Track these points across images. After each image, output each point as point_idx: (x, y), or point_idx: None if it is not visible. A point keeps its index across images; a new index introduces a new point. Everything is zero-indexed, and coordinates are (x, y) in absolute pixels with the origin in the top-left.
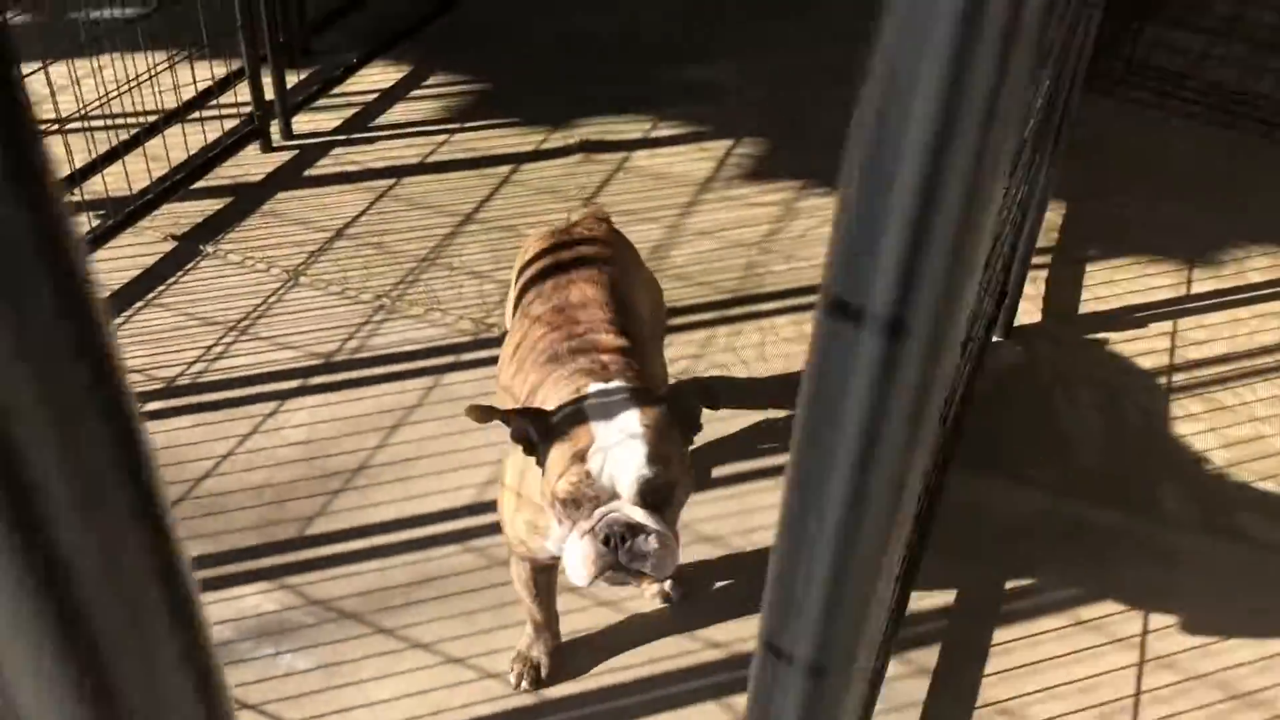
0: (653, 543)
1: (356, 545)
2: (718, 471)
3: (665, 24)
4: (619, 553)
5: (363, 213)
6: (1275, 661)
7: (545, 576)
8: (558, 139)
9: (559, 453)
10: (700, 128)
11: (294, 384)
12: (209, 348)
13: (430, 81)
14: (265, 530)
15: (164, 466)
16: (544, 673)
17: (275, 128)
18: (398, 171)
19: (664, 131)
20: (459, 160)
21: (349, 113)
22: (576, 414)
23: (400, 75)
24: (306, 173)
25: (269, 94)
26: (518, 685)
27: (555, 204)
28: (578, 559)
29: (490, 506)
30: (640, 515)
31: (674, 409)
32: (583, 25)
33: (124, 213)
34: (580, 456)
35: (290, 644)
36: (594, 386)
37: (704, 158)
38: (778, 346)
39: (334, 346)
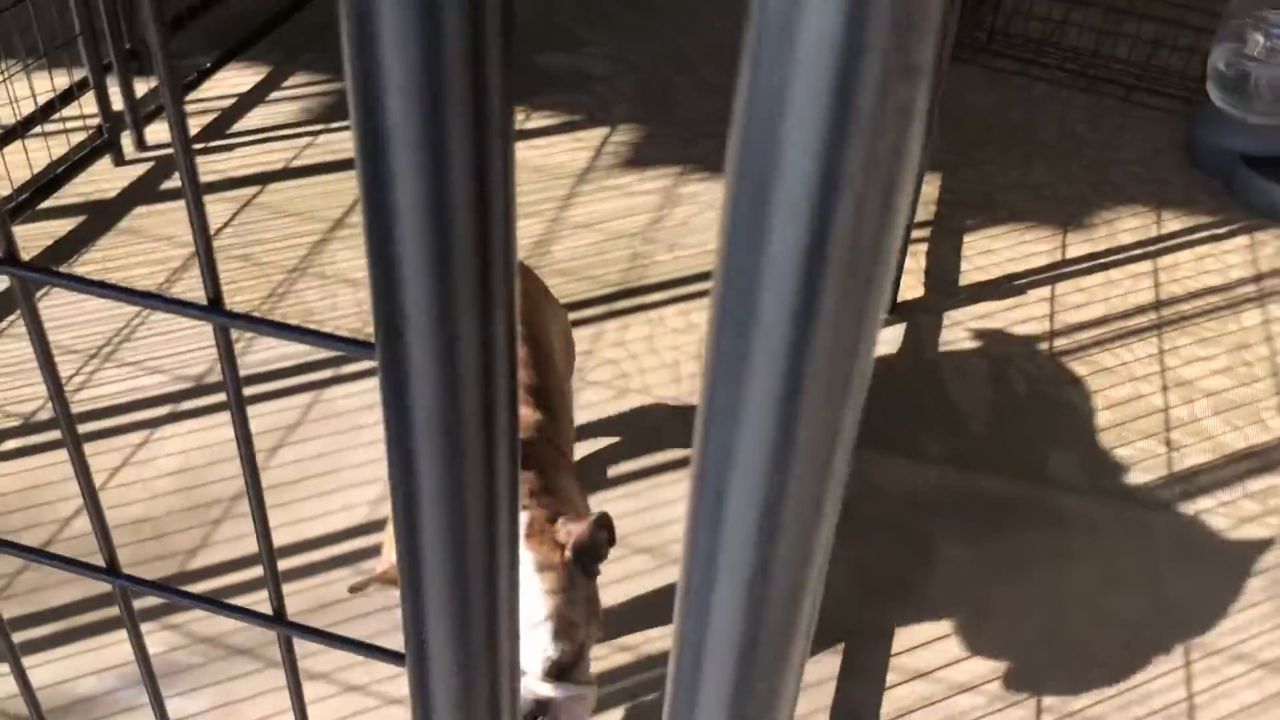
0: (564, 710)
1: (243, 576)
2: (615, 470)
3: (526, 11)
4: None
5: (227, 224)
6: (1164, 616)
7: None
8: None
9: None
10: (573, 116)
11: (164, 410)
12: (69, 378)
13: (289, 83)
14: (144, 567)
15: (27, 509)
16: None
17: (127, 139)
18: (261, 179)
19: (537, 123)
20: (325, 163)
21: (206, 119)
22: None
23: (258, 78)
24: (164, 185)
25: (118, 104)
26: None
27: None
28: None
29: (380, 525)
30: (548, 690)
31: (580, 549)
32: None
33: None
34: None
35: (179, 686)
36: None
37: (580, 147)
38: (667, 338)
39: (204, 368)
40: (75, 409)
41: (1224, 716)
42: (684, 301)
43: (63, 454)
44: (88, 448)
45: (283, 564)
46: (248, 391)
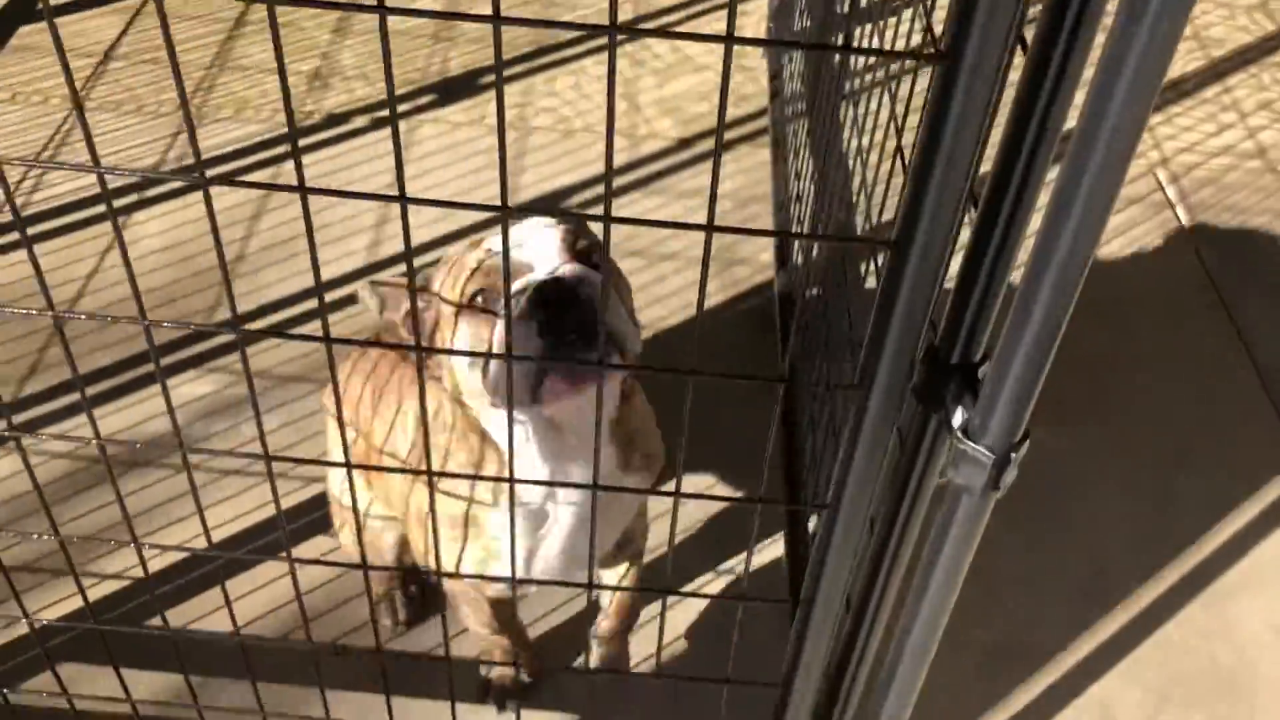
0: (593, 291)
1: (271, 319)
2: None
3: None
4: (557, 329)
5: (124, 33)
6: None
7: (506, 609)
8: None
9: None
10: None
11: (130, 199)
12: (17, 184)
13: None
14: (166, 329)
15: (29, 297)
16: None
17: None
18: None
19: None
20: None
21: None
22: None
23: None
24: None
25: None
26: (502, 707)
27: None
28: (499, 369)
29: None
30: (572, 269)
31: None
32: None
33: None
34: (478, 265)
35: (245, 414)
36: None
37: None
38: (592, 84)
39: (155, 159)
40: (37, 209)
41: None
42: (599, 53)
43: (41, 247)
44: (63, 241)
45: (300, 308)
46: (212, 173)
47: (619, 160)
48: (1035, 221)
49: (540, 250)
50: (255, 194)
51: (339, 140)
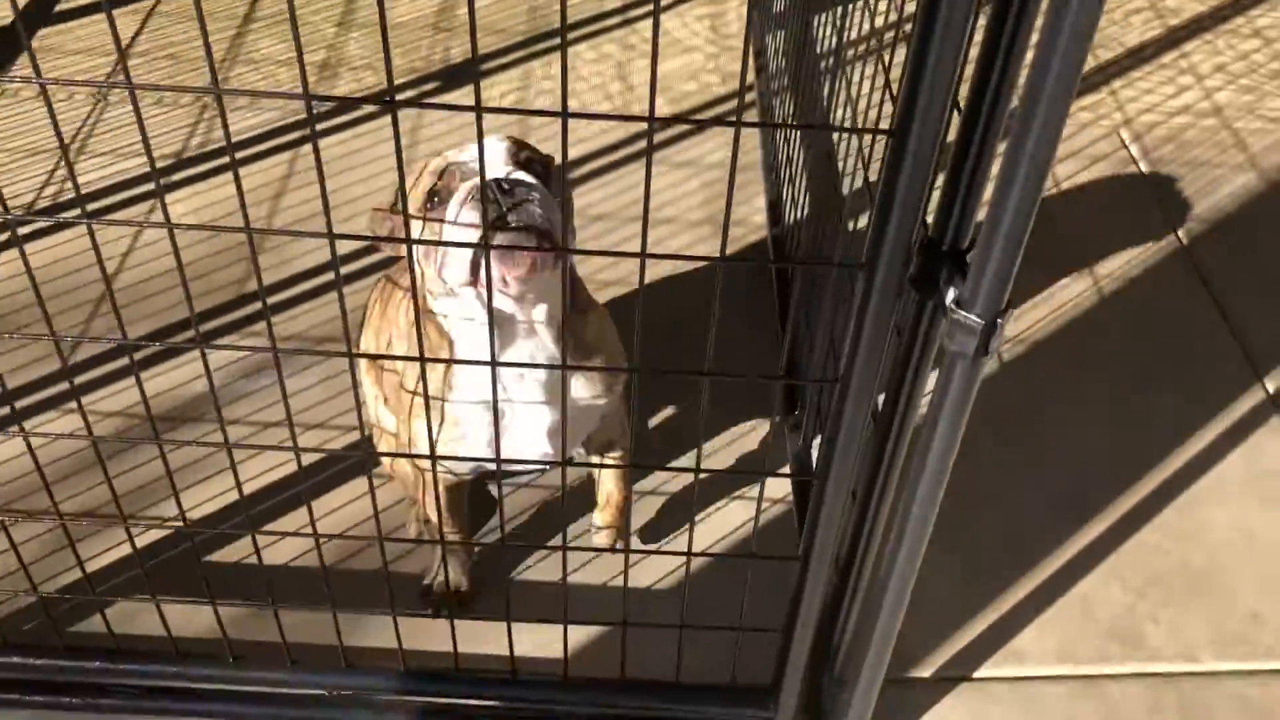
0: (536, 196)
1: (303, 287)
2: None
3: None
4: (499, 222)
5: (138, 34)
6: None
7: (457, 492)
8: None
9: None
10: None
11: (167, 180)
12: (51, 172)
13: None
14: (204, 299)
15: (69, 275)
16: (465, 590)
17: None
18: None
19: None
20: None
21: None
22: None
23: None
24: (58, 9)
25: None
26: (437, 615)
27: None
28: (455, 252)
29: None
30: (517, 173)
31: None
32: None
33: None
34: (435, 170)
35: (286, 370)
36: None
37: None
38: (587, 68)
39: (179, 146)
40: (71, 195)
41: None
42: (592, 38)
43: (76, 231)
44: (97, 224)
45: (325, 277)
46: (227, 160)
47: (615, 136)
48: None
49: (489, 158)
50: (274, 176)
51: (351, 125)
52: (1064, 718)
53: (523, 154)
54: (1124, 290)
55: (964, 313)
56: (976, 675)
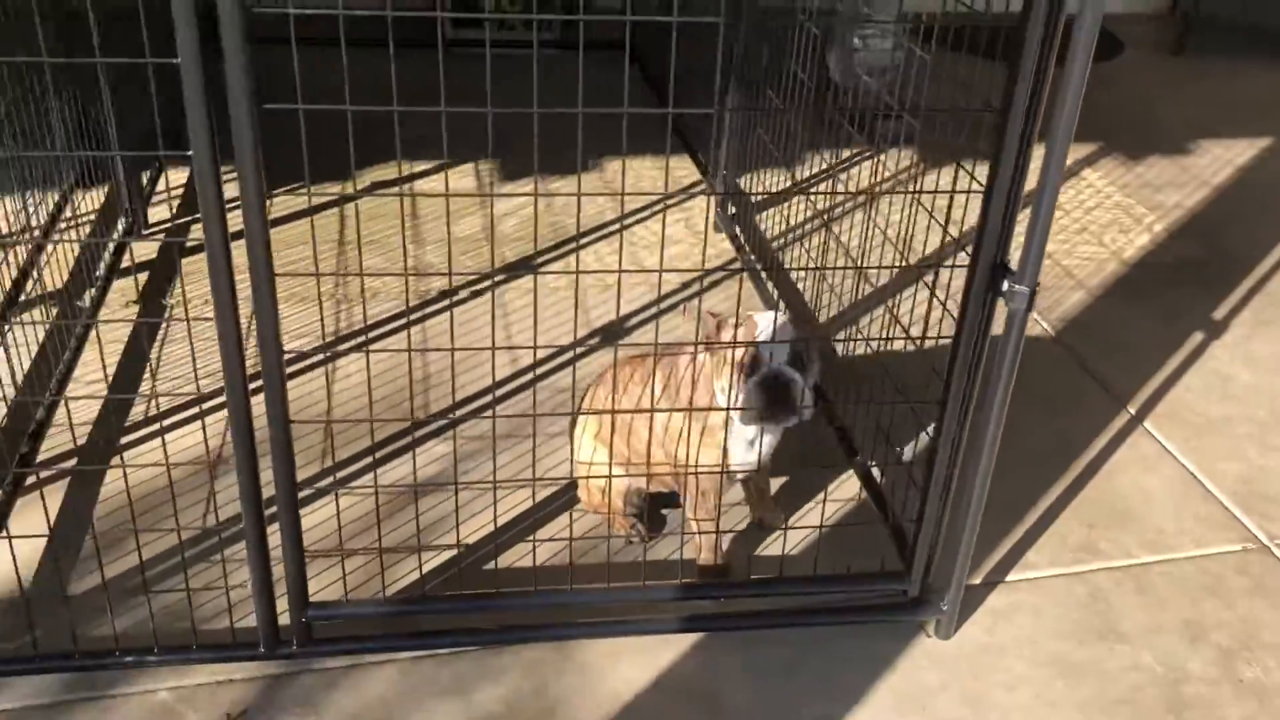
0: (797, 389)
1: (472, 405)
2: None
3: None
4: (769, 397)
5: None
6: None
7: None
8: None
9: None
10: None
11: (324, 354)
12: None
13: None
14: (394, 425)
15: (306, 407)
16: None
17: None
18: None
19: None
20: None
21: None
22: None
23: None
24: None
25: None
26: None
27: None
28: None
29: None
30: (784, 370)
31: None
32: None
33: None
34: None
35: (480, 458)
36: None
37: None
38: (611, 258)
39: (331, 329)
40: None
41: None
42: (608, 238)
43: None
44: (295, 380)
45: (493, 394)
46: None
47: (643, 298)
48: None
49: (775, 349)
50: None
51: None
52: (1066, 596)
53: (793, 347)
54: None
55: (1018, 285)
56: (1007, 579)
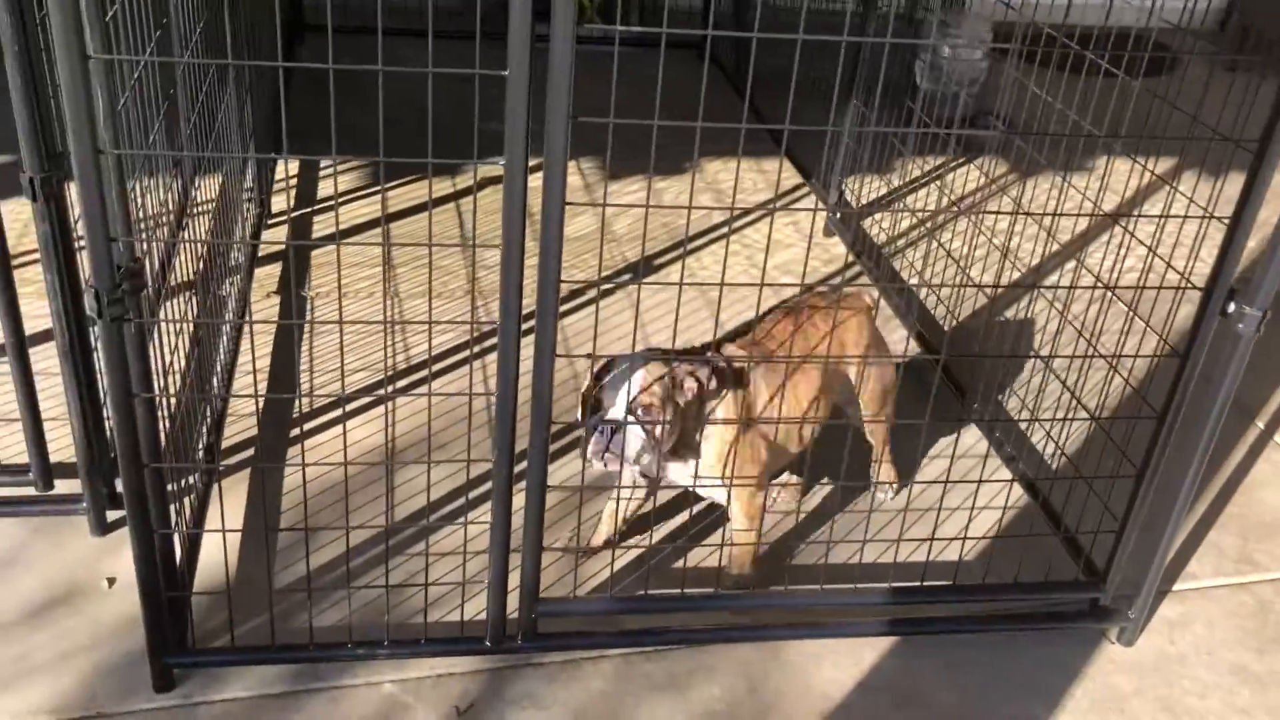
0: (630, 436)
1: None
2: None
3: None
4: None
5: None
6: None
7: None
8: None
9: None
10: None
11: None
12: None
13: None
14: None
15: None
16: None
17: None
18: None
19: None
20: (372, 220)
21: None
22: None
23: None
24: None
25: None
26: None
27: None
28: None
29: None
30: (628, 420)
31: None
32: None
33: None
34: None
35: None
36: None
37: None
38: (717, 264)
39: (395, 358)
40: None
41: None
42: (716, 242)
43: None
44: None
45: None
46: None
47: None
48: None
49: (620, 394)
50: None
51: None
52: (1236, 606)
53: (643, 398)
54: None
55: (1249, 308)
56: (1174, 589)
